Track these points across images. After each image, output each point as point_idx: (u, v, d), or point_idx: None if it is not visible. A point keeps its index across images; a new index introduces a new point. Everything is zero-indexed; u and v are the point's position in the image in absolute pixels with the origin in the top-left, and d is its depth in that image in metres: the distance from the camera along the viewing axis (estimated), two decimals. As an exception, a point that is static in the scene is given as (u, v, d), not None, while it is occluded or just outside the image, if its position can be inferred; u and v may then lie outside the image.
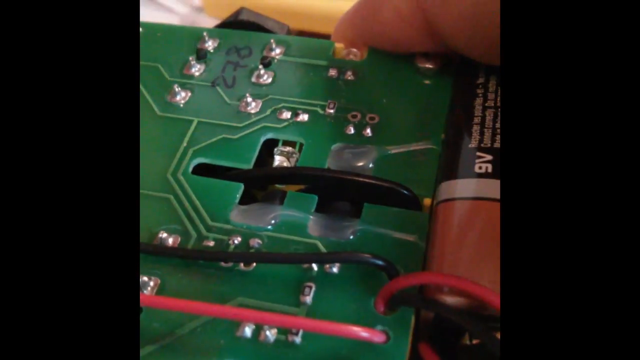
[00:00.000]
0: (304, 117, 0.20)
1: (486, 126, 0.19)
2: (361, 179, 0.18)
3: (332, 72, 0.21)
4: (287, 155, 0.20)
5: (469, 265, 0.16)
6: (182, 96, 0.21)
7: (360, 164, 0.19)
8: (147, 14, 0.29)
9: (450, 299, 0.15)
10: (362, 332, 0.15)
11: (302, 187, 0.19)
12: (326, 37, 0.23)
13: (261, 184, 0.19)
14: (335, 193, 0.19)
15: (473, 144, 0.18)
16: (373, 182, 0.18)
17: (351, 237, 0.17)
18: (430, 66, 0.21)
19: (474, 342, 0.15)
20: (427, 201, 0.18)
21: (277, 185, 0.20)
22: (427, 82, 0.21)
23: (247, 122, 0.20)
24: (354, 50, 0.22)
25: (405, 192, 0.18)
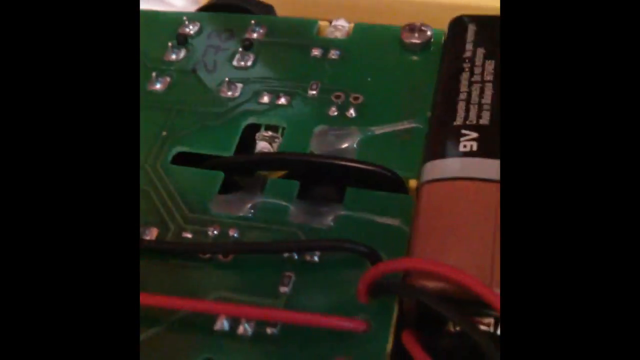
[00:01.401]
0: (286, 99, 0.19)
1: (472, 102, 0.18)
2: (342, 162, 0.18)
3: (316, 52, 0.21)
4: (270, 140, 0.19)
5: (453, 248, 0.15)
6: (161, 83, 0.20)
7: (344, 146, 0.18)
8: (143, 7, 0.28)
9: (432, 285, 0.15)
10: (342, 323, 0.15)
11: (285, 172, 0.19)
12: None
13: (241, 172, 0.19)
14: (318, 178, 0.18)
15: (458, 121, 0.18)
16: (355, 165, 0.18)
17: (333, 223, 0.17)
18: (416, 41, 0.20)
19: (458, 329, 0.15)
20: (412, 182, 0.17)
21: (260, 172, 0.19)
22: (414, 58, 0.20)
23: (227, 108, 0.20)
24: (340, 26, 0.22)
25: (388, 174, 0.17)
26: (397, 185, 0.17)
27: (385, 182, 0.17)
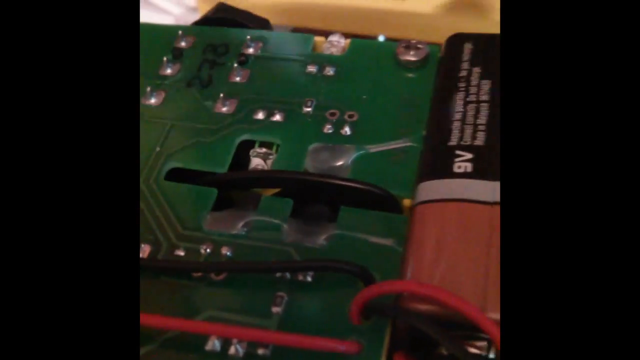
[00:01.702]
0: (281, 116, 0.19)
1: (467, 122, 0.18)
2: (336, 181, 0.18)
3: (311, 68, 0.21)
4: (264, 157, 0.19)
5: (446, 270, 0.15)
6: (156, 98, 0.20)
7: (339, 164, 0.18)
8: (141, 16, 0.28)
9: (425, 307, 0.15)
10: (334, 345, 0.15)
11: (279, 189, 0.19)
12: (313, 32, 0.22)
13: (234, 188, 0.19)
14: (311, 196, 0.18)
15: (453, 141, 0.17)
16: (348, 184, 0.17)
17: (326, 242, 0.17)
18: (412, 58, 0.20)
19: (450, 352, 0.15)
20: (406, 202, 0.17)
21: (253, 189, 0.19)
22: (410, 75, 0.20)
23: (222, 124, 0.19)
24: (335, 42, 0.21)
25: (382, 193, 0.17)
26: (391, 204, 0.17)
27: (379, 202, 0.17)
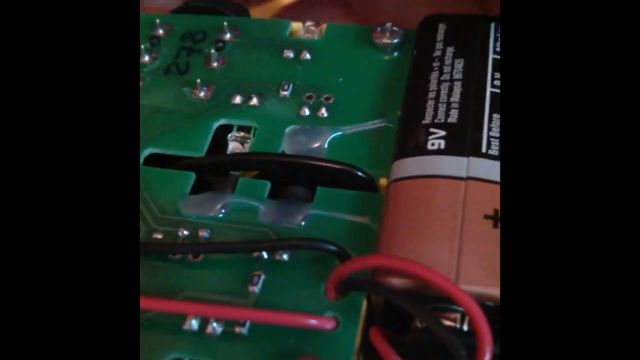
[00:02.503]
0: (258, 100, 0.20)
1: (441, 101, 0.18)
2: (313, 162, 0.18)
3: (288, 53, 0.21)
4: (242, 141, 0.19)
5: (419, 244, 0.15)
6: (134, 85, 0.20)
7: (315, 145, 0.18)
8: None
9: (399, 281, 0.15)
10: (310, 320, 0.15)
11: (257, 172, 0.19)
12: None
13: (212, 172, 0.19)
14: (289, 177, 0.18)
15: (427, 119, 0.18)
16: (325, 164, 0.18)
17: (303, 222, 0.17)
18: (388, 41, 0.20)
19: (425, 324, 0.15)
20: (383, 181, 0.18)
21: (232, 172, 0.19)
22: (386, 57, 0.20)
23: (199, 109, 0.20)
24: (312, 28, 0.22)
25: (358, 173, 0.17)
26: (367, 184, 0.17)
27: (355, 181, 0.17)
